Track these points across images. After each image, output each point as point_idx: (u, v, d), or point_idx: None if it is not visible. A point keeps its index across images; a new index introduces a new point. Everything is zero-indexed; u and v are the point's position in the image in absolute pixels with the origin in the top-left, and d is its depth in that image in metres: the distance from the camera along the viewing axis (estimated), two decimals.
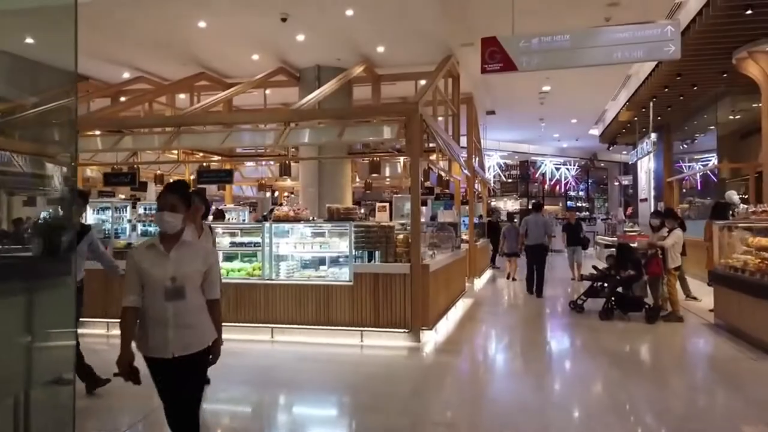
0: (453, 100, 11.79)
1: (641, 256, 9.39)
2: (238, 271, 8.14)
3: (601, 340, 7.74)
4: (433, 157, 12.13)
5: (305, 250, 7.98)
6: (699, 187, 23.38)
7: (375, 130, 7.42)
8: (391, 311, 7.30)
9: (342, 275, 7.67)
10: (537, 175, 30.57)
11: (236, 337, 7.48)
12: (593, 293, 9.60)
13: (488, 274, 16.43)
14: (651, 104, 14.92)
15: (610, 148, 23.08)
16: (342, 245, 7.77)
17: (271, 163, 13.46)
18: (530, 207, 14.35)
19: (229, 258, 8.52)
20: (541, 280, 11.50)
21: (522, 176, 30.75)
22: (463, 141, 14.53)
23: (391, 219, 8.40)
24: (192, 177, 10.05)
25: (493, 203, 30.52)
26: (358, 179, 13.33)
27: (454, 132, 11.68)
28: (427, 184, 11.36)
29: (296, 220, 7.85)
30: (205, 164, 9.24)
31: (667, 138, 19.13)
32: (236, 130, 7.77)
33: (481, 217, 19.03)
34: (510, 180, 31.32)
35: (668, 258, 8.96)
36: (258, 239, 7.91)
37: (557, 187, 32.04)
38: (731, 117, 16.32)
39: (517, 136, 24.97)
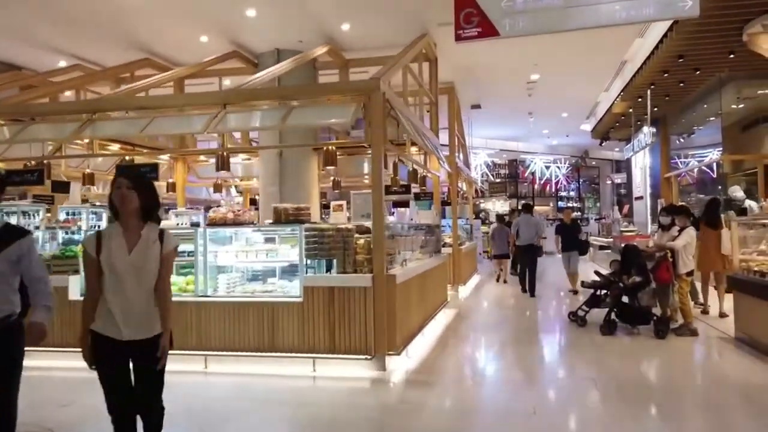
0: (431, 88, 10.48)
1: (648, 259, 8.12)
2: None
3: (605, 362, 6.42)
4: (414, 150, 10.85)
5: (249, 259, 6.62)
6: (694, 184, 22.26)
7: (327, 112, 6.08)
8: (349, 333, 5.95)
9: (292, 290, 6.32)
10: (526, 174, 29.31)
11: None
12: (596, 303, 8.29)
13: (476, 279, 15.13)
14: (648, 92, 13.70)
15: (603, 144, 21.89)
16: (293, 253, 6.42)
17: (242, 160, 12.08)
18: (520, 208, 13.64)
19: None
20: (533, 279, 11.63)
21: (511, 175, 29.50)
22: (445, 136, 13.22)
23: (350, 220, 7.03)
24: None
25: (482, 205, 29.31)
26: (335, 177, 11.91)
27: (432, 123, 10.38)
28: (403, 181, 10.05)
29: (236, 223, 6.49)
30: (128, 158, 7.86)
31: (664, 132, 17.96)
32: (161, 115, 6.40)
33: (467, 219, 17.77)
34: (498, 180, 30.09)
35: (679, 261, 7.68)
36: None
37: (548, 187, 30.85)
38: (734, 106, 15.14)
39: (505, 132, 23.73)
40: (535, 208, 27.26)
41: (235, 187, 14.27)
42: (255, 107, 6.40)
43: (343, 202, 6.72)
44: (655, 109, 15.27)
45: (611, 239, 17.70)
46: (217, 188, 11.10)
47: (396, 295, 6.13)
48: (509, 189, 30.46)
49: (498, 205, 30.45)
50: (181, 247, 6.85)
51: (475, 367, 6.61)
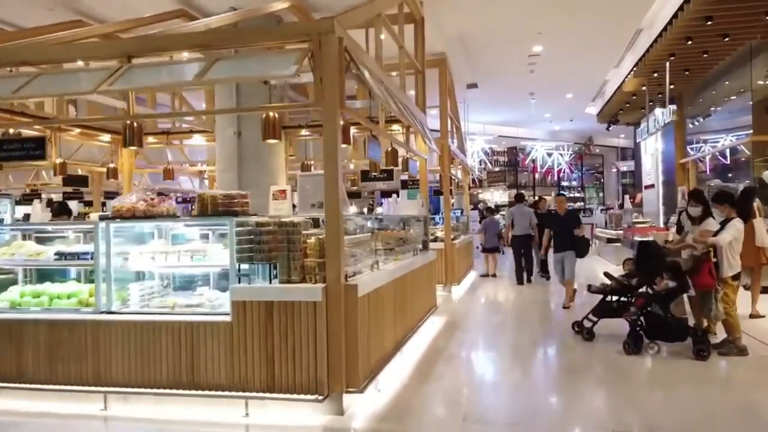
0: (416, 55, 8.84)
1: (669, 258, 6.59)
2: (68, 297, 5.18)
3: (634, 400, 4.85)
4: (396, 129, 9.23)
5: (170, 263, 5.03)
6: (709, 171, 20.61)
7: (263, 63, 4.47)
8: (293, 364, 4.39)
9: (224, 304, 4.74)
10: (527, 162, 27.62)
11: (47, 409, 4.59)
12: (607, 311, 6.75)
13: (472, 276, 13.58)
14: (667, 65, 12.08)
15: (610, 129, 20.25)
16: (225, 256, 4.84)
17: (206, 141, 10.42)
18: (515, 198, 13.39)
19: (54, 276, 5.58)
20: (530, 266, 12.06)
21: (510, 163, 27.83)
22: (436, 122, 11.58)
23: (296, 211, 5.43)
24: None
25: (480, 195, 27.76)
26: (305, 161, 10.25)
27: (419, 97, 8.75)
28: (385, 166, 8.44)
29: (147, 216, 4.89)
30: (12, 131, 6.21)
31: (680, 113, 16.29)
32: (45, 72, 4.78)
33: (462, 211, 16.22)
34: (497, 169, 28.45)
35: (723, 261, 6.10)
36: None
37: (549, 176, 29.22)
38: (760, 82, 13.51)
39: (504, 117, 22.07)
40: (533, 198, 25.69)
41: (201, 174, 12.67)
42: (177, 62, 4.79)
43: (287, 188, 5.13)
44: (671, 86, 13.67)
45: (620, 231, 16.15)
46: (167, 175, 9.50)
47: (358, 310, 4.56)
48: (509, 178, 28.85)
49: (497, 196, 28.89)
50: (84, 248, 5.31)
51: (466, 404, 5.04)
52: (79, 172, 11.06)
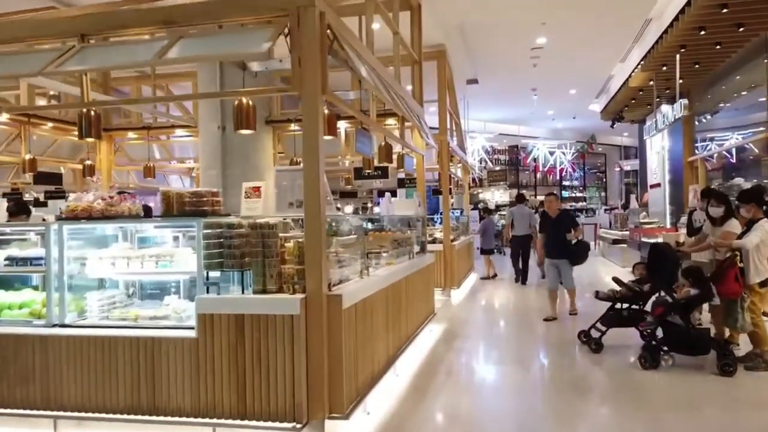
0: (413, 43, 8.26)
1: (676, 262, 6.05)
2: (20, 307, 4.61)
3: (659, 425, 4.28)
4: (392, 123, 8.66)
5: (132, 270, 4.47)
6: (716, 169, 20.05)
7: (232, 41, 3.90)
8: (268, 387, 3.82)
9: (188, 316, 4.18)
10: (528, 161, 27.01)
11: None
12: (616, 321, 6.20)
13: (473, 279, 13.02)
14: (678, 57, 11.50)
15: (614, 126, 19.64)
16: (194, 261, 4.26)
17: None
18: (516, 198, 13.47)
19: (14, 283, 5.01)
20: (525, 267, 11.91)
21: (511, 162, 27.21)
22: (434, 119, 11.00)
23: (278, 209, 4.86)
24: None
25: (481, 195, 27.20)
26: (294, 158, 9.66)
27: (415, 90, 8.17)
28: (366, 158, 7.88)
29: (106, 216, 4.32)
30: None
31: (689, 108, 15.69)
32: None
33: (462, 211, 15.66)
34: (498, 168, 27.85)
35: (750, 266, 5.54)
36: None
37: (551, 175, 28.64)
38: None
39: (506, 114, 21.49)
40: (538, 198, 25.19)
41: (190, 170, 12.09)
42: (138, 41, 4.22)
43: (261, 184, 4.56)
44: (681, 81, 13.11)
45: (626, 232, 15.57)
46: (147, 172, 8.91)
47: (343, 324, 3.99)
48: (510, 177, 28.26)
49: (497, 195, 28.32)
50: (37, 252, 4.74)
51: (465, 425, 4.47)
52: (62, 170, 10.50)
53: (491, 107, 19.51)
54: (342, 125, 8.44)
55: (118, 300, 4.68)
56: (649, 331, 5.72)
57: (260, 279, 4.01)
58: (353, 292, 4.27)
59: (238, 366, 3.84)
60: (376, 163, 7.51)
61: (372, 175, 8.85)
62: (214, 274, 4.12)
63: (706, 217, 6.31)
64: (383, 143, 6.68)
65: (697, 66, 12.55)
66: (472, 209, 17.96)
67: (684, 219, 11.58)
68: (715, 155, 19.57)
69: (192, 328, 3.96)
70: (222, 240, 4.06)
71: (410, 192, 19.51)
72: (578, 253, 7.93)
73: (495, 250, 13.65)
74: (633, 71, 13.80)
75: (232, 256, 4.04)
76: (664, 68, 12.65)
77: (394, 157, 7.34)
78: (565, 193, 29.31)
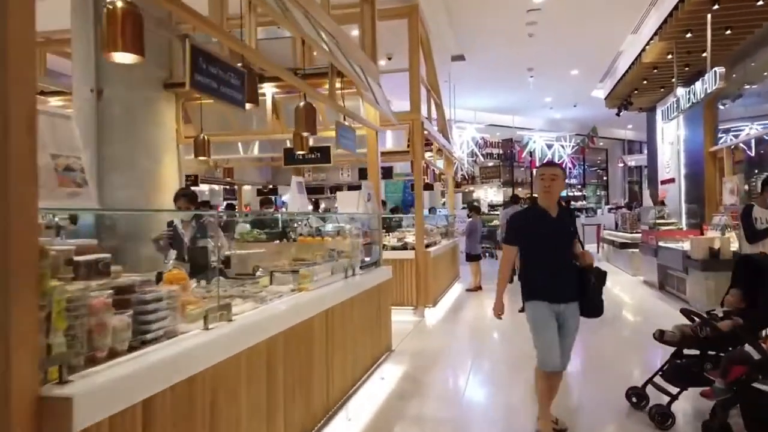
0: None
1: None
2: None
3: None
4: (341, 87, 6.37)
5: None
6: (741, 161, 17.81)
7: None
8: None
9: None
10: (524, 155, 24.70)
11: None
12: (694, 376, 3.87)
13: (456, 291, 10.78)
14: (709, 17, 9.27)
15: (620, 114, 17.41)
16: None
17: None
18: (510, 199, 12.03)
19: None
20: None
21: (506, 156, 24.90)
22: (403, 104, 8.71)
23: None
24: None
25: (474, 193, 24.98)
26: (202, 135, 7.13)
27: (366, 40, 5.88)
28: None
29: None
30: None
31: (725, 78, 13.33)
32: None
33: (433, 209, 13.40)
34: (491, 163, 25.56)
35: None
36: None
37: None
38: None
39: (498, 102, 19.22)
40: (535, 195, 22.89)
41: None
42: None
43: None
44: (704, 54, 10.85)
45: (637, 234, 13.34)
46: None
47: None
48: (504, 174, 25.98)
49: (491, 194, 26.07)
50: None
51: None
52: None
53: (481, 92, 17.24)
54: (268, 90, 6.18)
55: None
56: (720, 403, 3.46)
57: None
58: (118, 388, 1.95)
59: None
60: (340, 149, 5.15)
61: (307, 159, 6.62)
62: None
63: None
64: (302, 103, 4.40)
65: (728, 32, 10.28)
66: (462, 208, 15.72)
67: (720, 219, 9.36)
68: (738, 146, 17.33)
69: None
70: None
71: (392, 184, 17.19)
72: (596, 294, 3.73)
73: (486, 254, 11.52)
74: (648, 42, 11.54)
75: None
76: (689, 35, 10.41)
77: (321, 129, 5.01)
78: (563, 192, 27.08)
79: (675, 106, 11.80)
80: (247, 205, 14.16)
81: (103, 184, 5.89)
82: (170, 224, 5.18)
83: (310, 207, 8.39)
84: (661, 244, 10.75)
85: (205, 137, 5.98)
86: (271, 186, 13.79)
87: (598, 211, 20.97)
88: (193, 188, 6.72)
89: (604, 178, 29.38)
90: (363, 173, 8.57)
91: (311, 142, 7.08)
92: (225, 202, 14.29)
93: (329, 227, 5.94)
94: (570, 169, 25.50)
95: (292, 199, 4.61)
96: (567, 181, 27.15)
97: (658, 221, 11.67)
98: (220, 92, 2.86)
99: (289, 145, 7.08)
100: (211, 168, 9.91)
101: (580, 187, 28.47)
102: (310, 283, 3.86)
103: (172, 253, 4.96)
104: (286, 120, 6.42)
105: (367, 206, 5.45)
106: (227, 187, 14.11)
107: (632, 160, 24.36)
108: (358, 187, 9.13)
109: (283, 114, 6.62)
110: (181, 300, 2.72)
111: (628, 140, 26.37)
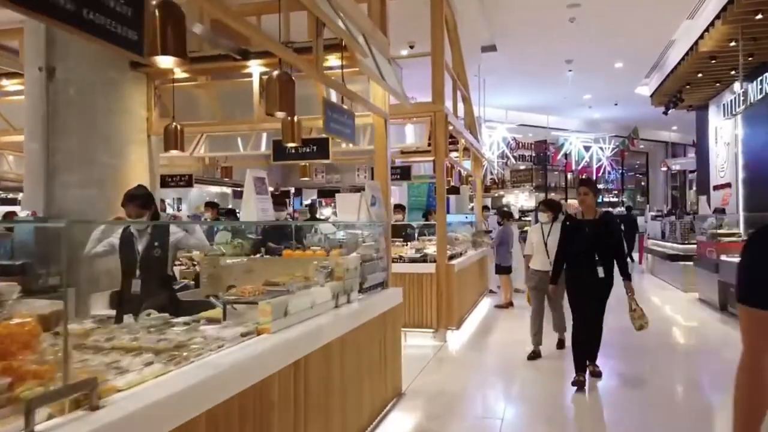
0: None
1: None
2: None
3: None
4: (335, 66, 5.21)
5: None
6: None
7: None
8: None
9: None
10: (559, 158, 23.05)
11: None
12: None
13: (485, 307, 9.53)
14: None
15: (667, 113, 15.85)
16: None
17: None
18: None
19: None
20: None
21: (539, 159, 23.31)
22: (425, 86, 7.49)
23: None
24: None
25: (504, 198, 23.54)
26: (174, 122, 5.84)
27: (373, 8, 4.73)
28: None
29: None
30: None
31: None
32: None
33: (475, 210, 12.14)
34: (523, 167, 24.04)
35: None
36: None
37: (584, 176, 24.69)
38: None
39: (532, 99, 17.80)
40: (569, 202, 21.37)
41: None
42: None
43: None
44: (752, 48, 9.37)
45: (691, 246, 11.80)
46: None
47: None
48: (536, 179, 24.41)
49: (522, 199, 24.57)
50: None
51: None
52: None
53: (514, 88, 15.89)
54: (255, 69, 5.05)
55: None
56: None
57: None
58: None
59: None
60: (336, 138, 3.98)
61: (301, 153, 5.48)
62: None
63: None
64: (276, 72, 3.25)
65: None
66: (493, 214, 14.38)
67: None
68: None
69: None
70: None
71: (420, 188, 15.79)
72: None
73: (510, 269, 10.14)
74: (708, 27, 10.10)
75: None
76: (758, 16, 8.96)
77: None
78: (599, 198, 25.43)
79: (741, 99, 10.29)
80: None
81: (53, 183, 4.86)
82: (126, 229, 4.07)
83: (284, 214, 7.11)
84: (723, 257, 9.28)
85: (177, 126, 4.89)
86: (284, 189, 12.71)
87: (645, 218, 19.27)
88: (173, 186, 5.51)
89: (643, 183, 27.54)
90: (400, 173, 7.39)
91: (313, 134, 5.93)
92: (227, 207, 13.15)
93: (317, 238, 4.80)
94: (609, 172, 23.76)
95: (246, 202, 3.43)
96: (602, 186, 25.42)
97: (718, 231, 10.14)
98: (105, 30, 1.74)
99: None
100: (206, 167, 8.81)
101: (616, 192, 26.77)
102: (272, 322, 2.70)
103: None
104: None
105: (371, 212, 4.28)
106: (235, 189, 13.05)
107: (676, 164, 22.58)
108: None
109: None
110: (20, 370, 1.61)
111: (673, 143, 24.58)
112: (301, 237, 5.52)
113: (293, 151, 5.56)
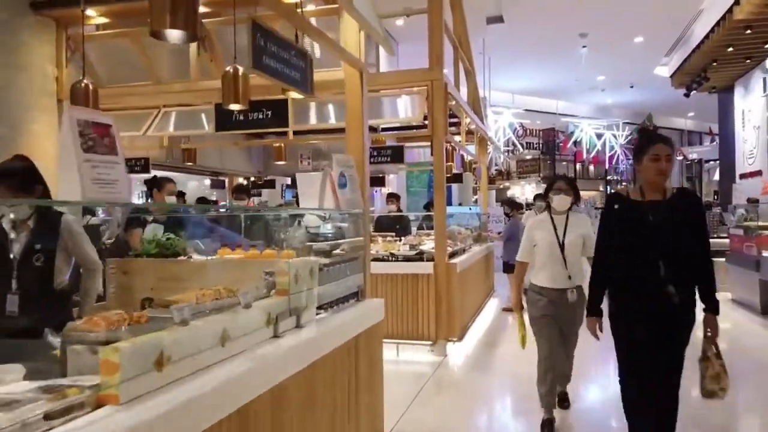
0: None
1: None
2: None
3: None
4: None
5: None
6: None
7: None
8: None
9: None
10: (568, 146, 21.65)
11: None
12: None
13: (492, 311, 8.34)
14: None
15: (689, 95, 14.54)
16: None
17: None
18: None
19: None
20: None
21: (547, 148, 21.95)
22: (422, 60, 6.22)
23: None
24: None
25: (509, 191, 22.32)
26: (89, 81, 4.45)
27: None
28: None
29: None
30: None
31: None
32: None
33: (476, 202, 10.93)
34: (530, 156, 22.71)
35: None
36: None
37: (594, 165, 23.39)
38: None
39: (541, 82, 16.50)
40: (580, 193, 20.01)
41: None
42: None
43: None
44: None
45: (723, 240, 10.51)
46: None
47: None
48: (544, 169, 23.09)
49: (528, 190, 23.29)
50: None
51: None
52: None
53: (521, 68, 14.60)
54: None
55: None
56: None
57: None
58: None
59: None
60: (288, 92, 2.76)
61: (251, 121, 4.23)
62: None
63: None
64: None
65: None
66: (499, 206, 13.14)
67: None
68: None
69: None
70: None
71: (415, 176, 14.45)
72: None
73: None
74: None
75: None
76: None
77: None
78: (609, 188, 24.21)
79: None
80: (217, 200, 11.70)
81: None
82: None
83: (244, 203, 5.83)
84: (766, 254, 8.06)
85: (88, 84, 3.67)
86: (266, 178, 11.46)
87: None
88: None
89: None
90: (391, 155, 6.16)
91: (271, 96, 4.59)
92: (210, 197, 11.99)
93: (300, 233, 3.61)
94: (622, 161, 22.40)
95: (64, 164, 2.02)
96: (611, 177, 23.99)
97: (761, 224, 8.89)
98: None
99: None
100: (166, 149, 7.54)
101: (628, 182, 25.48)
102: (120, 384, 1.48)
103: None
104: (226, 60, 4.01)
105: (338, 196, 3.06)
106: (214, 178, 11.77)
107: (693, 152, 21.24)
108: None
109: (220, 51, 4.25)
110: None
111: (689, 130, 23.24)
112: (273, 232, 4.41)
113: (240, 117, 4.31)
